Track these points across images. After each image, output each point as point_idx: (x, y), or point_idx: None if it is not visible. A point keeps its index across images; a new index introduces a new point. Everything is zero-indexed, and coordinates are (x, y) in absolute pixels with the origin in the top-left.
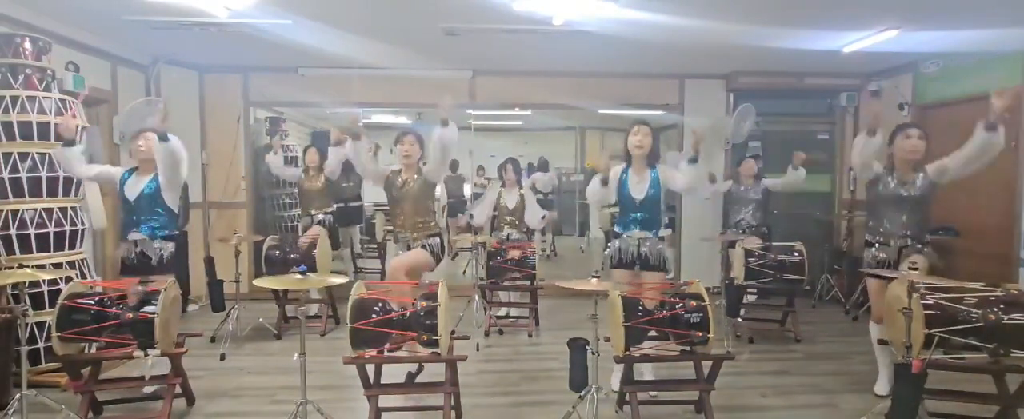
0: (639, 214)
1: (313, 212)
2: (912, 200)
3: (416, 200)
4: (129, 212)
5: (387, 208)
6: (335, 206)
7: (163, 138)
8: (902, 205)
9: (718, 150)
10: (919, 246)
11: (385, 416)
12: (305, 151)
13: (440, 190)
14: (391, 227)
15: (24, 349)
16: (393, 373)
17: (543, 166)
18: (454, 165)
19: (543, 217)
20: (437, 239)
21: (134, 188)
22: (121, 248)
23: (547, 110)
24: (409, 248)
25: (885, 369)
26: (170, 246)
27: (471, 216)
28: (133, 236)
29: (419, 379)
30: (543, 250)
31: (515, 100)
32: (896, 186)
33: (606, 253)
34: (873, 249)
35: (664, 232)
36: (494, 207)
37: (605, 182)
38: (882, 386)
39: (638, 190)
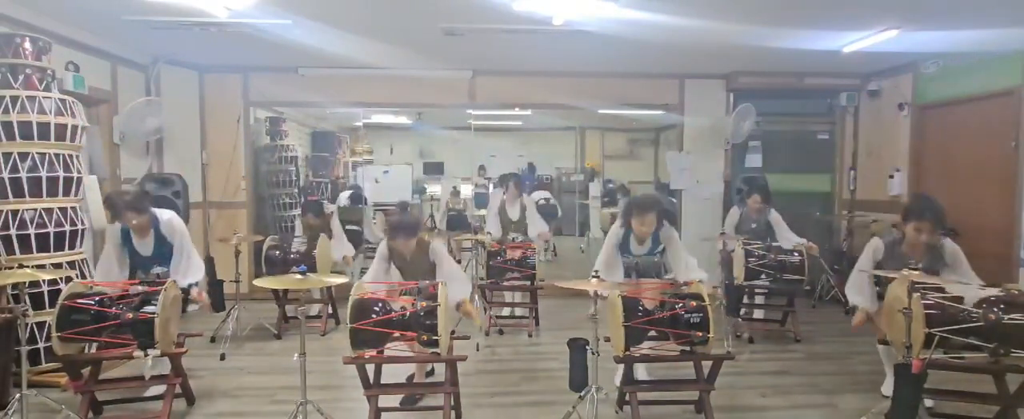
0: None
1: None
2: (925, 272)
3: (420, 267)
4: (146, 259)
5: (387, 207)
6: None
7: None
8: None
9: (718, 150)
10: None
11: (385, 416)
12: (303, 210)
13: (439, 191)
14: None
15: (24, 349)
16: (393, 373)
17: (528, 177)
18: (456, 191)
19: (538, 235)
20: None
21: (144, 246)
22: (141, 277)
23: (547, 110)
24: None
25: (891, 370)
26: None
27: (489, 233)
28: (156, 270)
29: (418, 378)
30: (545, 250)
31: (515, 100)
32: (900, 261)
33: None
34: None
35: (659, 249)
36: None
37: (622, 249)
38: (889, 387)
39: (639, 249)
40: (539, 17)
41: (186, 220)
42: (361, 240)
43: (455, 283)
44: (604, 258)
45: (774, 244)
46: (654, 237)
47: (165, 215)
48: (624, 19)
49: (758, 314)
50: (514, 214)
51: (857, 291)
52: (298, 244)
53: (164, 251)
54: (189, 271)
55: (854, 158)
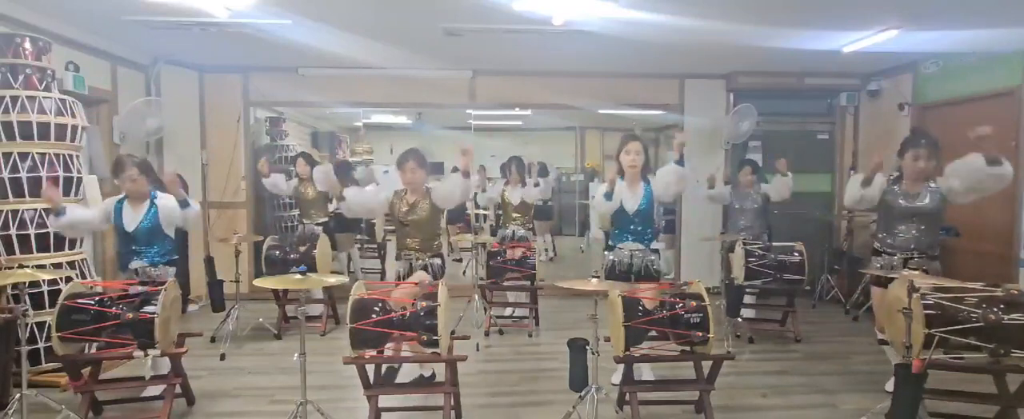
0: (632, 225)
1: (311, 215)
2: (921, 214)
3: (423, 224)
4: (127, 241)
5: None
6: (333, 211)
7: (184, 205)
8: (910, 219)
9: (718, 150)
10: (926, 258)
11: (385, 416)
12: (294, 160)
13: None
14: (393, 237)
15: (24, 349)
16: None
17: (542, 172)
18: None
19: (537, 185)
20: (438, 259)
21: (132, 220)
22: (121, 277)
23: (547, 110)
24: (412, 267)
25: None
26: (172, 270)
27: (477, 202)
28: (135, 264)
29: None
30: (546, 251)
31: (515, 100)
32: (903, 200)
33: (603, 264)
34: (881, 257)
35: (657, 244)
36: (498, 206)
37: (609, 197)
38: (892, 383)
39: (631, 203)
40: (539, 17)
41: None
42: (359, 223)
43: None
44: (598, 209)
45: (774, 244)
46: (646, 188)
47: (162, 194)
48: (624, 19)
49: (749, 313)
50: (515, 198)
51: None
52: (300, 239)
53: (147, 230)
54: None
55: (854, 158)
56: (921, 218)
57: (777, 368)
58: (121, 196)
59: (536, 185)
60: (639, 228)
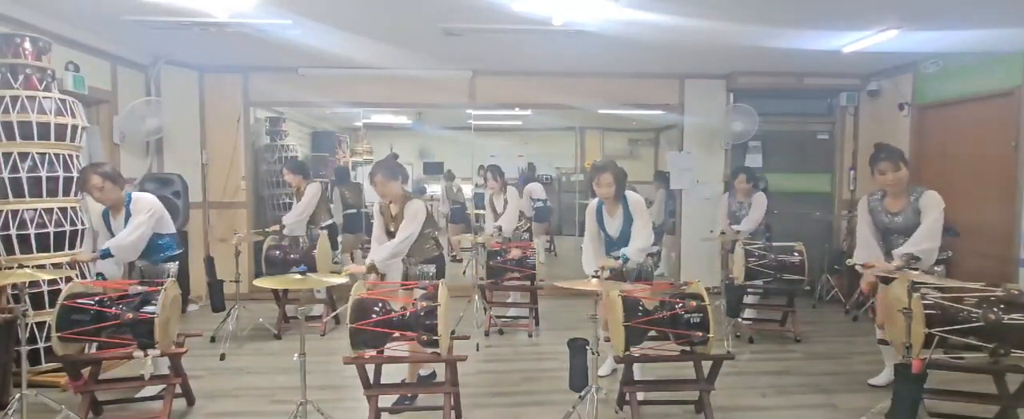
0: (618, 244)
1: (316, 220)
2: (905, 229)
3: None
4: None
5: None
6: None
7: (104, 254)
8: (895, 234)
9: (718, 151)
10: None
11: (385, 416)
12: (282, 172)
13: (440, 193)
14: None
15: (24, 349)
16: (393, 373)
17: (529, 177)
18: (451, 175)
19: (516, 228)
20: (433, 266)
21: (118, 228)
22: (132, 276)
23: (547, 110)
24: (406, 273)
25: (889, 366)
26: (174, 266)
27: (500, 228)
28: (139, 263)
29: (409, 380)
30: (547, 249)
31: (515, 100)
32: (885, 217)
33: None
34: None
35: (652, 248)
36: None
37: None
38: (882, 379)
39: (613, 228)
40: (539, 17)
41: (186, 220)
42: (362, 224)
43: (385, 248)
44: (588, 239)
45: (774, 244)
46: (624, 211)
47: (137, 193)
48: (624, 19)
49: (750, 314)
50: (499, 206)
51: (863, 247)
52: (301, 239)
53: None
54: (117, 239)
55: (854, 158)
56: (905, 234)
57: (777, 368)
58: (105, 209)
59: (540, 203)
60: (624, 244)
